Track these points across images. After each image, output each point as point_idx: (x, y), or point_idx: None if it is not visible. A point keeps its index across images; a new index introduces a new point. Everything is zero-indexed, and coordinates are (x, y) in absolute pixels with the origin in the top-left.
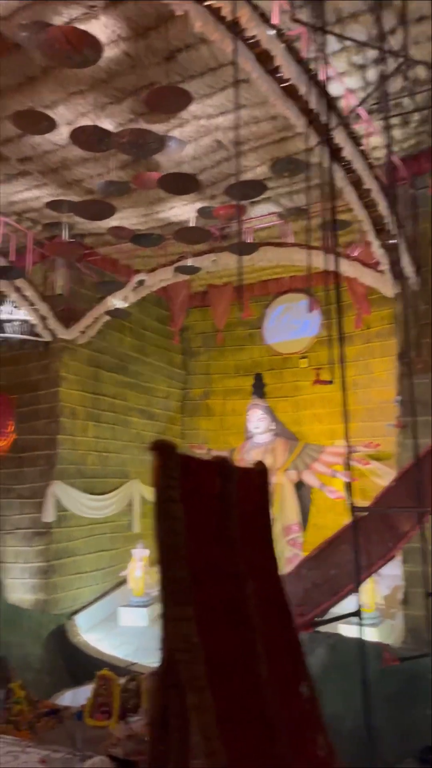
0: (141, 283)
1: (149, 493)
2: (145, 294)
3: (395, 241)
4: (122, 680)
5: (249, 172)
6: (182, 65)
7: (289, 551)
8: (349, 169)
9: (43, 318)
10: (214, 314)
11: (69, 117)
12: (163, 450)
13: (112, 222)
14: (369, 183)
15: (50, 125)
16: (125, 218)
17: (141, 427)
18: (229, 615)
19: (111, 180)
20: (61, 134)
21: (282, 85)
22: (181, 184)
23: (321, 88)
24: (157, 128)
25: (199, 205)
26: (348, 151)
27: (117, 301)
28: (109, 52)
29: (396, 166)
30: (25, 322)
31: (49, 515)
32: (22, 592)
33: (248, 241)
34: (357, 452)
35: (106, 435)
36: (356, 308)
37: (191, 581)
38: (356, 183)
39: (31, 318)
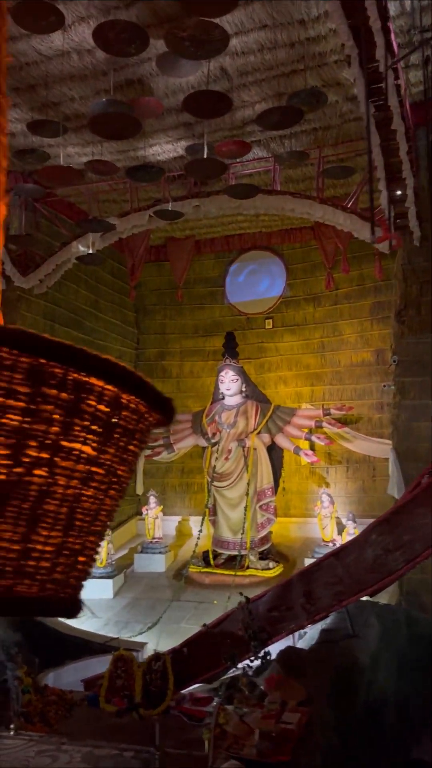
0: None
1: None
2: (114, 240)
3: (400, 192)
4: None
5: (248, 108)
6: None
7: (262, 516)
8: (379, 107)
9: None
10: (173, 269)
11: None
12: None
13: (84, 157)
14: (397, 124)
15: (58, 22)
16: (97, 154)
17: None
18: None
19: (113, 99)
20: (52, 41)
21: None
22: (210, 104)
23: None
24: (162, 45)
25: (185, 143)
26: (389, 83)
27: (83, 247)
28: None
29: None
30: None
31: None
32: None
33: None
34: (330, 415)
35: None
36: (328, 268)
37: None
38: (383, 123)
39: None
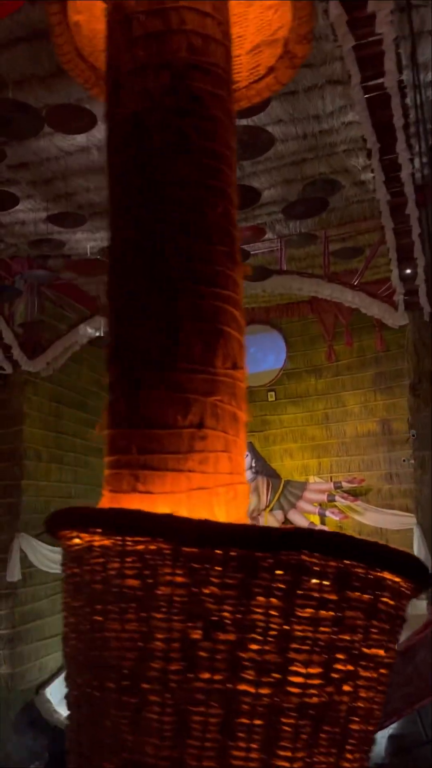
0: None
1: None
2: None
3: (410, 270)
4: None
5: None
6: None
7: None
8: (395, 192)
9: (6, 347)
10: None
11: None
12: None
13: (92, 242)
14: (411, 207)
15: (91, 123)
16: (99, 240)
17: (100, 469)
18: None
19: None
20: (74, 138)
21: (368, 95)
22: (240, 198)
23: (405, 100)
24: None
25: None
26: (405, 173)
27: (90, 330)
28: None
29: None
30: None
31: (14, 574)
32: None
33: None
34: (341, 488)
35: (68, 478)
36: (328, 340)
37: None
38: (399, 206)
39: None
